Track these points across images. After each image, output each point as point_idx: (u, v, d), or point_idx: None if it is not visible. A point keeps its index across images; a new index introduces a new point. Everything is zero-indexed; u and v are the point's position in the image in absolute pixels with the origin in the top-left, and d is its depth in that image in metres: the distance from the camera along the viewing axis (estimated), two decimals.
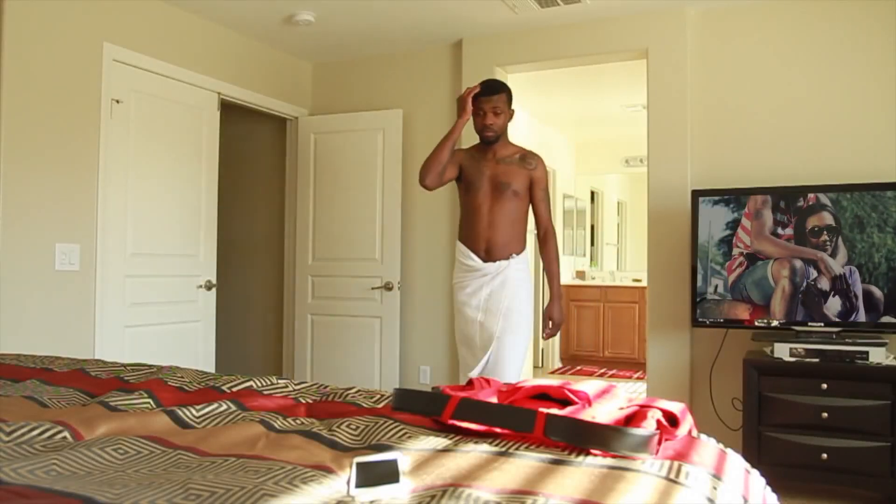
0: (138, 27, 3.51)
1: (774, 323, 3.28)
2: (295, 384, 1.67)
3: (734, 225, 3.36)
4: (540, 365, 6.92)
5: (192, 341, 3.90)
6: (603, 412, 1.17)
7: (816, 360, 3.07)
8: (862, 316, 3.14)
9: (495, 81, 3.09)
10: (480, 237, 2.98)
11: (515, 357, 2.95)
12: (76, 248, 3.20)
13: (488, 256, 2.98)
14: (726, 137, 3.70)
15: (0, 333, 2.89)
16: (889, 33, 3.39)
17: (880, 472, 2.89)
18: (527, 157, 3.03)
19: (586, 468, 0.97)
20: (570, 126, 6.92)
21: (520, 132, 5.97)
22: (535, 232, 3.14)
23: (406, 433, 1.16)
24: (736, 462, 1.14)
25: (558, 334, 7.16)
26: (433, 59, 4.44)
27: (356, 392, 1.57)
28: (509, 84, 4.34)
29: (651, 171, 3.81)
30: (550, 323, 3.06)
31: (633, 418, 1.13)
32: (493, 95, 2.98)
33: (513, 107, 3.06)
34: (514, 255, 2.98)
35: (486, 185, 2.99)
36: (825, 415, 2.98)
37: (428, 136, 4.18)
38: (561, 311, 3.08)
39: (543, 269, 3.14)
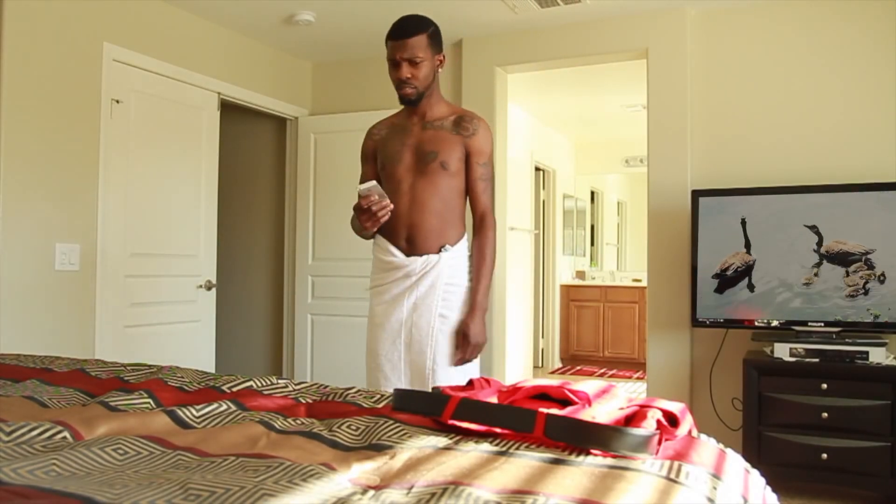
0: (138, 27, 3.51)
1: (774, 323, 3.28)
2: (295, 384, 1.67)
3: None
4: (540, 365, 6.92)
5: (192, 341, 3.90)
6: (603, 412, 1.17)
7: (816, 360, 3.07)
8: (862, 315, 3.14)
9: (409, 20, 2.22)
10: (401, 223, 2.21)
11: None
12: (76, 248, 3.20)
13: (411, 248, 2.21)
14: (726, 137, 3.70)
15: (0, 333, 2.89)
16: (889, 33, 3.39)
17: (880, 472, 2.89)
18: (463, 120, 2.26)
19: (586, 468, 0.97)
20: (570, 126, 6.92)
21: (520, 132, 5.97)
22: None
23: (406, 433, 1.16)
24: (736, 462, 1.14)
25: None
26: None
27: (356, 392, 1.58)
28: (506, 81, 4.38)
29: (651, 171, 3.81)
30: (464, 341, 2.14)
31: (633, 418, 1.13)
32: (405, 39, 2.16)
33: (443, 51, 2.29)
34: (446, 246, 2.21)
35: (407, 156, 2.25)
36: (825, 415, 2.98)
37: None
38: (483, 328, 2.18)
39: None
